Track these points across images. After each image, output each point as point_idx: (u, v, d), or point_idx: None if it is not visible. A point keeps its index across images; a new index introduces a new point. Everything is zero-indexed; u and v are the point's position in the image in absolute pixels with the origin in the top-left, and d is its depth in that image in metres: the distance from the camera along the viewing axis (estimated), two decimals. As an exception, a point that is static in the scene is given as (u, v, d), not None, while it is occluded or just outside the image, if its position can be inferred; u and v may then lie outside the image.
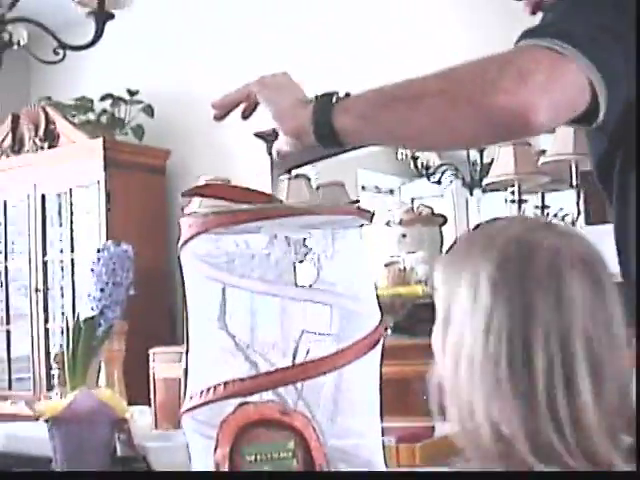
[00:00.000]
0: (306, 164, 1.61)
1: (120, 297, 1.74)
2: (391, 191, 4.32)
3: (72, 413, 1.61)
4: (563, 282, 0.94)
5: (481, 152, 3.97)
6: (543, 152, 3.35)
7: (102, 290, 1.73)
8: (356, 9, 4.08)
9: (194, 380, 1.38)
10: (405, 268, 3.52)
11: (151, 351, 3.76)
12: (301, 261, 1.40)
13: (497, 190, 3.62)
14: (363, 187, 4.33)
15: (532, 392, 0.92)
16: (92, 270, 1.76)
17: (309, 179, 3.94)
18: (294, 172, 3.96)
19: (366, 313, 1.36)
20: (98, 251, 1.76)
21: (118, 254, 1.75)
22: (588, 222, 3.23)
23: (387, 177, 4.36)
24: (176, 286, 4.29)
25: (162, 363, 3.74)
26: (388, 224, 3.84)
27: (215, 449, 1.28)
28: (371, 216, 1.38)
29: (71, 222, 4.27)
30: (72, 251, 4.26)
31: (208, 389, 1.32)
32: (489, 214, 4.00)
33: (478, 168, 4.09)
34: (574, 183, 3.17)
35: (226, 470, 1.26)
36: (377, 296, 1.38)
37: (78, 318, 1.73)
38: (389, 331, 3.18)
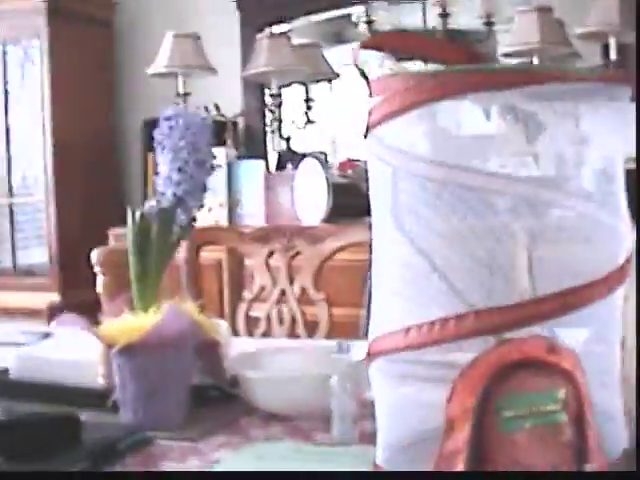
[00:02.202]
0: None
1: (203, 180, 1.30)
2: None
3: (158, 339, 1.19)
4: None
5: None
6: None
7: (180, 170, 1.28)
8: None
9: (379, 312, 0.99)
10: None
11: (110, 232, 3.29)
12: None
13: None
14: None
15: None
16: (160, 145, 1.30)
17: (289, 38, 3.45)
18: (274, 29, 3.49)
19: (624, 230, 0.97)
20: (167, 119, 1.30)
21: (196, 123, 1.30)
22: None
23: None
24: (126, 156, 3.79)
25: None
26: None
27: (448, 401, 0.89)
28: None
29: (4, 83, 3.67)
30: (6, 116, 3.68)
31: (408, 329, 0.92)
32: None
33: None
34: (612, 57, 2.80)
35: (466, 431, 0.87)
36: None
37: (145, 210, 1.28)
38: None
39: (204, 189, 1.30)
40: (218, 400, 1.35)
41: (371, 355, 0.97)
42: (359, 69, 1.00)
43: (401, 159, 0.99)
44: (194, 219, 1.29)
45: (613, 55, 2.79)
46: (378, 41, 1.03)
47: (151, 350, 1.20)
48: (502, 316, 0.86)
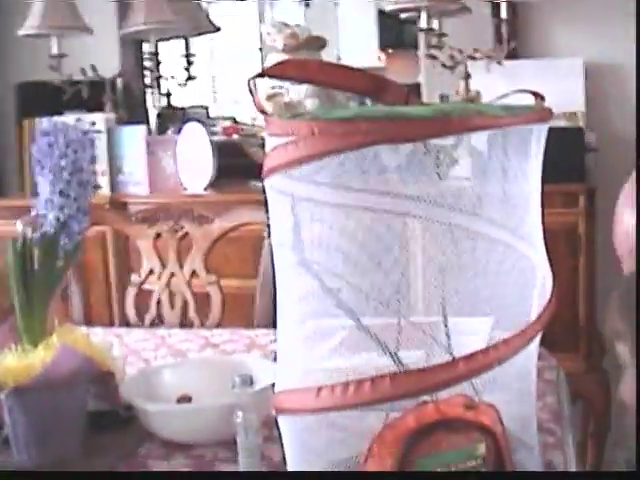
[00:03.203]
0: None
1: (86, 201, 1.22)
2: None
3: (49, 380, 1.12)
4: None
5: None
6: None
7: (62, 193, 1.19)
8: None
9: (286, 354, 0.95)
10: (291, 101, 3.05)
11: (-14, 204, 3.14)
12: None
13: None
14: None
15: None
16: (39, 163, 1.21)
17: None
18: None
19: (542, 267, 0.96)
20: (45, 134, 1.21)
21: (78, 139, 1.21)
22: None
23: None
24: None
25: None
26: (262, 50, 3.35)
27: (365, 461, 0.87)
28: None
29: None
30: None
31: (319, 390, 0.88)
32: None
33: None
34: (503, 16, 2.79)
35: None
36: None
37: (26, 237, 1.19)
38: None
39: (87, 211, 1.22)
40: (115, 425, 1.29)
41: (278, 412, 0.93)
42: (258, 107, 0.94)
43: (303, 187, 0.95)
44: (79, 244, 1.22)
45: (504, 14, 2.79)
46: (278, 70, 0.97)
47: (42, 391, 1.13)
48: (419, 379, 0.83)
